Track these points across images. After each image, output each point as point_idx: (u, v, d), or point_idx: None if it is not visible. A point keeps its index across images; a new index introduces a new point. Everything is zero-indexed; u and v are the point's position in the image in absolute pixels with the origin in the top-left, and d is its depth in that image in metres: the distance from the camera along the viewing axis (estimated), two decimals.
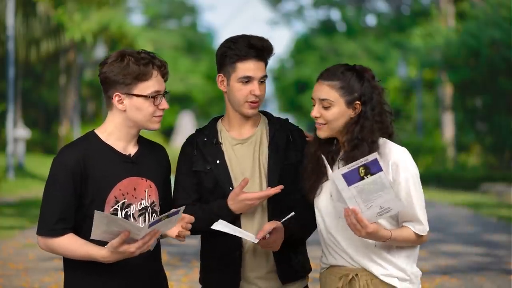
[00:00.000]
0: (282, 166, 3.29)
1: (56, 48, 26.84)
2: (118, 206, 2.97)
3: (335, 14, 51.25)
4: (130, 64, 2.95)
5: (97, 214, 2.77)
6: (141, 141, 3.12)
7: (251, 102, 3.29)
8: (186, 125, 40.27)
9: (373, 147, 3.04)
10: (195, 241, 10.56)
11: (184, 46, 51.24)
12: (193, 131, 3.51)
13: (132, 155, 3.05)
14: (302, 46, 50.56)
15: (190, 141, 3.39)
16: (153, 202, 3.07)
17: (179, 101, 47.74)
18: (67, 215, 2.94)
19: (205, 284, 3.41)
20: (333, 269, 3.17)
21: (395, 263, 3.09)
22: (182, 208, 2.88)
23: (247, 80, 3.27)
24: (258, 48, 3.27)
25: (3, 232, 11.39)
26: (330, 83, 3.08)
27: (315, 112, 3.10)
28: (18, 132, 23.50)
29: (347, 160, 3.05)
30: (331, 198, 3.10)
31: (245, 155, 3.32)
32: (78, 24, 25.54)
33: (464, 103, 26.13)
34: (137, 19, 64.62)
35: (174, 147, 36.78)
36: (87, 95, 37.05)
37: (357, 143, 3.05)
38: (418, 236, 3.06)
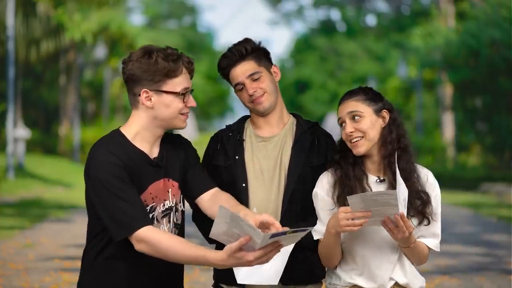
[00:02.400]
0: (303, 167, 3.31)
1: (56, 48, 26.83)
2: (147, 210, 2.89)
3: (335, 14, 51.29)
4: (159, 61, 2.86)
5: (221, 209, 2.62)
6: (165, 138, 3.03)
7: (255, 100, 3.34)
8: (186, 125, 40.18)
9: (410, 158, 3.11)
10: (195, 241, 10.54)
11: (184, 46, 51.27)
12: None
13: (156, 158, 2.96)
14: (302, 46, 50.58)
15: (216, 135, 3.45)
16: (176, 202, 3.01)
17: None
18: (146, 211, 2.83)
19: (216, 278, 3.42)
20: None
21: (417, 275, 3.18)
22: (310, 228, 2.72)
23: (240, 87, 3.36)
24: (232, 55, 3.34)
25: (3, 232, 11.38)
26: (354, 98, 3.11)
27: (349, 128, 3.06)
28: (18, 132, 23.50)
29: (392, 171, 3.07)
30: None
31: (267, 154, 3.37)
32: (78, 24, 25.52)
33: (464, 103, 26.12)
34: (137, 19, 64.69)
35: None
36: (87, 95, 37.04)
37: (398, 153, 3.08)
38: (428, 250, 3.15)
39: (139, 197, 2.84)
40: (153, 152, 2.96)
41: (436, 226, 3.13)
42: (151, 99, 2.89)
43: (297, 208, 3.30)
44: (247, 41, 3.39)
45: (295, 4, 51.89)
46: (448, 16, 30.50)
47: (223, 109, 55.41)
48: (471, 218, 14.92)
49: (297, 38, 53.10)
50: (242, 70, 3.33)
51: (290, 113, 3.48)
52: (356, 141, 3.07)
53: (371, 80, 43.25)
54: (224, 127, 3.51)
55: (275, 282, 3.03)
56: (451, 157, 28.58)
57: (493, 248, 10.60)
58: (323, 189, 3.14)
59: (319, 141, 3.37)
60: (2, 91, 27.01)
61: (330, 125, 41.78)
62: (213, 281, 3.46)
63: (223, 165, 3.34)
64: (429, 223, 3.09)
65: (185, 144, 3.11)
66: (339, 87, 47.65)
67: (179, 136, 3.13)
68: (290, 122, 3.43)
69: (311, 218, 3.26)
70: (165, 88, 2.88)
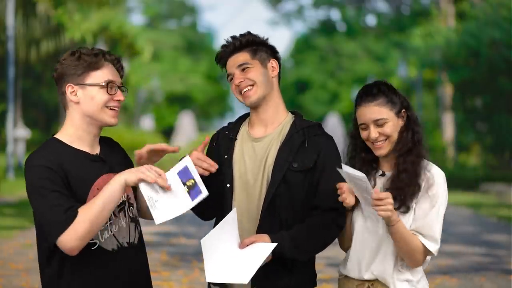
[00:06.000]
0: (287, 170, 3.17)
1: (56, 48, 26.80)
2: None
3: (335, 14, 51.26)
4: (81, 56, 2.97)
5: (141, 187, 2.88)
6: (100, 139, 3.10)
7: (242, 92, 3.29)
8: (186, 125, 40.15)
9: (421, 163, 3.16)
10: (195, 241, 10.54)
11: (184, 46, 51.23)
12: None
13: (99, 154, 3.02)
14: (302, 46, 50.56)
15: (215, 133, 3.43)
16: (128, 196, 3.06)
17: (179, 101, 47.68)
18: (71, 202, 2.83)
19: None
20: (350, 279, 3.20)
21: (411, 280, 3.14)
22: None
23: (231, 78, 3.33)
24: (227, 46, 3.31)
25: (3, 232, 11.39)
26: (376, 102, 3.13)
27: (374, 133, 3.11)
28: (18, 132, 23.50)
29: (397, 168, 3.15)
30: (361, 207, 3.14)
31: (254, 154, 3.26)
32: (78, 24, 25.51)
33: (464, 103, 26.11)
34: (137, 19, 64.64)
35: None
36: None
37: (409, 148, 3.13)
38: (425, 250, 3.08)
39: (68, 200, 2.84)
40: (94, 150, 3.03)
41: (433, 227, 3.11)
42: (76, 94, 2.96)
43: (280, 215, 3.17)
44: (246, 34, 3.34)
45: (295, 4, 51.85)
46: (448, 16, 30.50)
47: (223, 109, 55.35)
48: (471, 218, 14.91)
49: (297, 38, 53.07)
50: (234, 61, 3.29)
51: (291, 111, 3.37)
52: (380, 143, 3.12)
53: (371, 80, 43.17)
54: (227, 124, 3.47)
55: (245, 281, 2.96)
56: (451, 157, 28.57)
57: (493, 248, 10.60)
58: None
59: (310, 143, 3.21)
60: (2, 91, 27.01)
61: (330, 125, 41.81)
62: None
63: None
64: (407, 210, 3.09)
65: (120, 145, 3.19)
66: (339, 87, 47.65)
67: (109, 138, 3.17)
68: (286, 121, 3.31)
69: (298, 228, 3.16)
70: (88, 80, 2.96)
